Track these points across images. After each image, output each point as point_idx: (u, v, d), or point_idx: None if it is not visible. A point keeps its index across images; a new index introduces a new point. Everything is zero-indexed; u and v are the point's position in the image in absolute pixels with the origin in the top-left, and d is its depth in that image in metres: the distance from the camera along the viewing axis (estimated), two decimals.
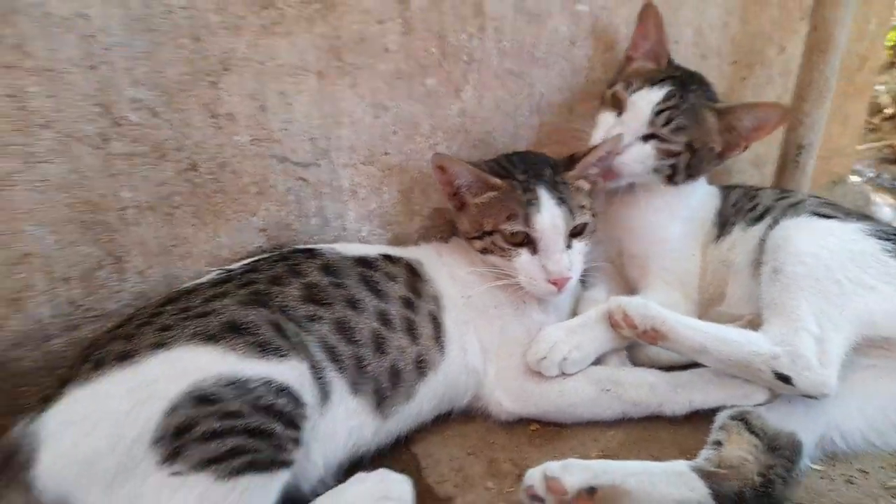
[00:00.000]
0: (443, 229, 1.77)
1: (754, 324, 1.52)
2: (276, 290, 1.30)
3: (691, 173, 1.71)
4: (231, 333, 1.16)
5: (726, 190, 1.87)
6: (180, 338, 1.14)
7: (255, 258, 1.43)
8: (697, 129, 1.66)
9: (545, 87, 1.78)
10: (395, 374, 1.34)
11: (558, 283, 1.46)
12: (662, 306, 1.62)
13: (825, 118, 2.05)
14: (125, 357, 1.12)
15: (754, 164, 2.37)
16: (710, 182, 1.87)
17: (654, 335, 1.37)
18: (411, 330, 1.38)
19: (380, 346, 1.33)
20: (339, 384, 1.27)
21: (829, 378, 1.24)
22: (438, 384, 1.41)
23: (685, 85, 1.69)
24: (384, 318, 1.36)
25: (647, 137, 1.64)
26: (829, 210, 1.57)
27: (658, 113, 1.63)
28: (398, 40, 1.51)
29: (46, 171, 1.26)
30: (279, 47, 1.39)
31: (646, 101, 1.65)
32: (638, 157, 1.63)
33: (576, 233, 1.52)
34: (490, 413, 1.48)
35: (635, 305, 1.40)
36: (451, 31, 1.57)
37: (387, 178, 1.64)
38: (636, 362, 1.53)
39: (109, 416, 1.07)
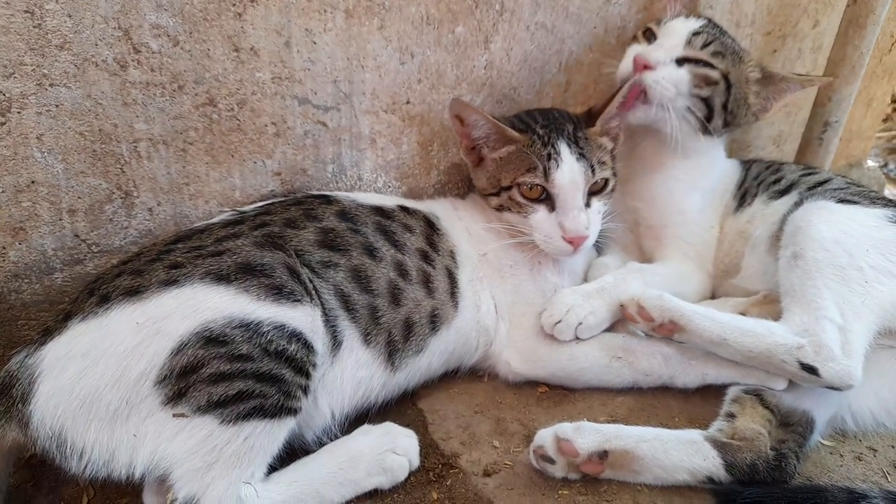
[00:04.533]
0: (459, 186, 1.73)
1: (769, 300, 1.51)
2: (290, 233, 1.26)
3: (727, 120, 1.61)
4: (245, 274, 1.13)
5: (747, 163, 1.82)
6: (192, 276, 1.11)
7: (268, 202, 1.40)
8: (734, 64, 1.58)
9: (576, 44, 1.72)
10: (408, 327, 1.31)
11: (574, 242, 1.42)
12: (678, 277, 1.63)
13: (854, 96, 2.00)
14: (134, 292, 1.10)
15: (775, 140, 2.32)
16: (730, 156, 1.83)
17: (672, 328, 1.33)
18: (427, 283, 1.35)
19: (396, 297, 1.30)
20: (351, 333, 1.25)
21: (854, 369, 1.20)
22: (450, 340, 1.39)
23: (722, 31, 1.63)
24: (401, 269, 1.33)
25: (681, 62, 1.54)
26: (854, 195, 1.51)
27: (696, 34, 1.55)
28: None
29: (60, 96, 1.21)
30: None
31: (681, 25, 1.58)
32: (671, 79, 1.51)
33: (595, 190, 1.47)
34: (498, 373, 1.47)
35: (651, 297, 1.35)
36: None
37: (407, 128, 1.59)
38: None
39: (114, 351, 1.04)
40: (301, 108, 1.43)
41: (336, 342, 1.22)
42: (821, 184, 1.61)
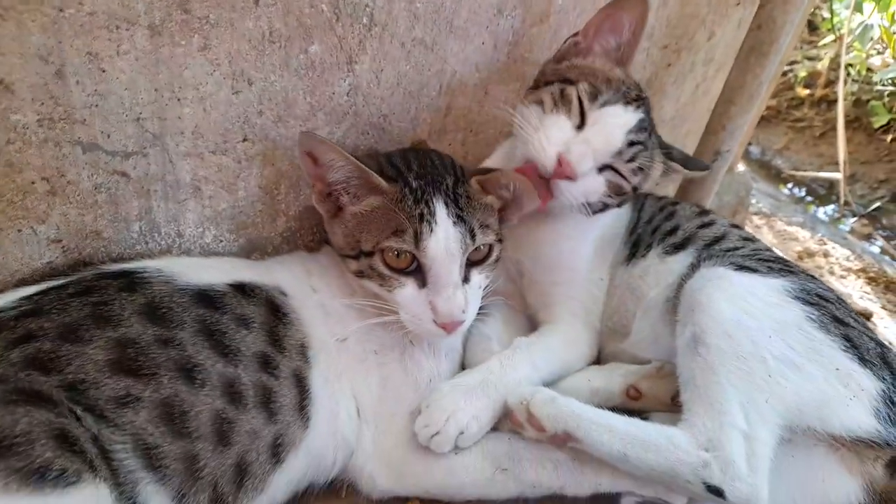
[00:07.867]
0: (314, 231, 1.39)
1: (662, 374, 1.38)
2: (67, 352, 0.89)
3: (619, 204, 1.43)
4: None
5: (637, 202, 1.64)
6: None
7: (43, 286, 1.00)
8: (646, 176, 1.41)
9: (460, 63, 1.40)
10: (241, 471, 0.99)
11: (448, 328, 1.16)
12: (566, 346, 1.44)
13: (747, 125, 1.86)
14: None
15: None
16: None
17: (566, 438, 1.14)
18: (268, 404, 1.03)
19: (223, 435, 0.97)
20: (158, 500, 0.91)
21: (761, 489, 1.08)
22: (299, 467, 1.09)
23: (649, 114, 1.40)
24: (232, 392, 0.99)
25: (603, 168, 1.32)
26: (750, 258, 1.39)
27: (630, 144, 1.32)
28: None
29: None
30: None
31: (620, 123, 1.31)
32: (587, 190, 1.30)
33: (476, 260, 1.21)
34: (361, 489, 1.19)
35: (542, 403, 1.15)
36: None
37: (244, 170, 1.22)
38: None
39: None
40: (87, 157, 1.02)
41: None
42: (718, 240, 1.48)
